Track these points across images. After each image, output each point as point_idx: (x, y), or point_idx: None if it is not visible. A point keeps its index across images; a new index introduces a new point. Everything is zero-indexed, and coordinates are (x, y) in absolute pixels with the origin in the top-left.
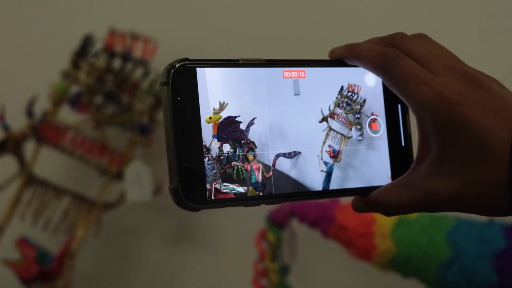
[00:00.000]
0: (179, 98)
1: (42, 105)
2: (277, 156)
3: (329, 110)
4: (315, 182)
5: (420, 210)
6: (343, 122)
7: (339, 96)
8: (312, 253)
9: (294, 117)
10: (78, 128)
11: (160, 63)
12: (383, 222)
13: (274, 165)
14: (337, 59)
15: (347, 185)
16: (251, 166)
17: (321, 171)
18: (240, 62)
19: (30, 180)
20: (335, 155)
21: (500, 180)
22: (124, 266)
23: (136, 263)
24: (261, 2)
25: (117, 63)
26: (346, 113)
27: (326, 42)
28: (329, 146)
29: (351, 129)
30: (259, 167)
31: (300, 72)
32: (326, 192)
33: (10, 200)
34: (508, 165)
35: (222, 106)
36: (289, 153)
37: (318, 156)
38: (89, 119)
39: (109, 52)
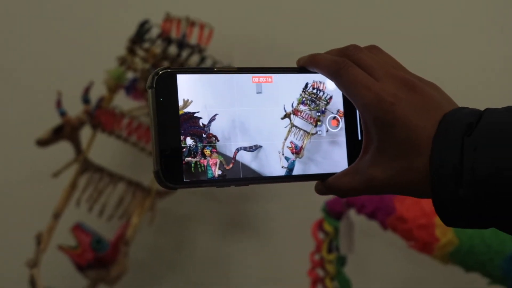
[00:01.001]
0: (161, 99)
1: (98, 92)
2: (238, 149)
3: (292, 107)
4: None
5: (365, 193)
6: (306, 119)
7: (303, 93)
8: (370, 244)
9: (257, 114)
10: (133, 115)
11: (215, 49)
12: None
13: (234, 157)
14: (302, 67)
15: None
16: (208, 161)
17: (282, 167)
18: (215, 69)
19: (85, 166)
20: (297, 151)
21: (424, 168)
22: (178, 254)
23: (190, 251)
24: None
25: (173, 50)
26: (311, 110)
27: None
28: (291, 142)
29: (315, 126)
30: (216, 162)
31: (267, 78)
32: (290, 177)
33: (66, 187)
34: (430, 154)
35: (186, 104)
36: (250, 147)
37: (279, 152)
38: (144, 106)
39: (165, 38)
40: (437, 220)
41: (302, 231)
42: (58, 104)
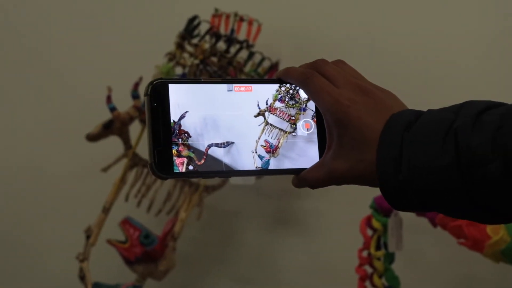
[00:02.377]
0: (155, 104)
1: None
2: (209, 146)
3: (267, 104)
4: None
5: (330, 184)
6: (283, 117)
7: (280, 88)
8: (418, 242)
9: (229, 111)
10: None
11: (263, 45)
12: None
13: (206, 153)
14: (279, 78)
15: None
16: (174, 160)
17: (256, 167)
18: (202, 80)
19: (134, 161)
20: (271, 150)
21: (373, 160)
22: (225, 249)
23: (237, 246)
24: None
25: (221, 45)
26: (288, 107)
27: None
28: (265, 141)
29: (293, 124)
30: (183, 162)
31: (248, 87)
32: (268, 171)
33: (115, 181)
34: (376, 148)
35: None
36: (222, 143)
37: (252, 152)
38: None
39: (214, 34)
40: None
41: (351, 227)
42: (108, 99)
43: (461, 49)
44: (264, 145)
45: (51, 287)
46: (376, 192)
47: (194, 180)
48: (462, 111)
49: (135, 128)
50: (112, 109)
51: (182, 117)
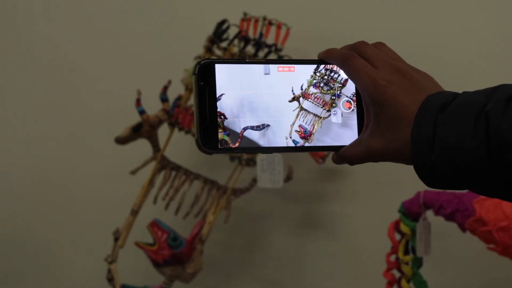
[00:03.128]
0: (201, 83)
1: (176, 90)
2: (244, 128)
3: (302, 89)
4: None
5: (367, 161)
6: (317, 103)
7: (315, 74)
8: (447, 246)
9: (266, 94)
10: None
11: (292, 49)
12: None
13: (240, 136)
14: (321, 59)
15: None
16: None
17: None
18: (247, 60)
19: (163, 164)
20: (306, 136)
21: (408, 138)
22: (252, 252)
23: (265, 250)
24: None
25: (250, 49)
26: (324, 93)
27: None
28: (300, 126)
29: (328, 110)
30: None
31: (290, 68)
32: (309, 147)
33: (144, 184)
34: (411, 128)
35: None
36: (257, 126)
37: (286, 138)
38: None
39: (243, 37)
40: None
41: (379, 231)
42: (138, 102)
43: (470, 50)
44: (299, 130)
45: None
46: (404, 196)
47: (222, 183)
48: (494, 95)
49: (163, 131)
50: (141, 112)
51: (218, 99)
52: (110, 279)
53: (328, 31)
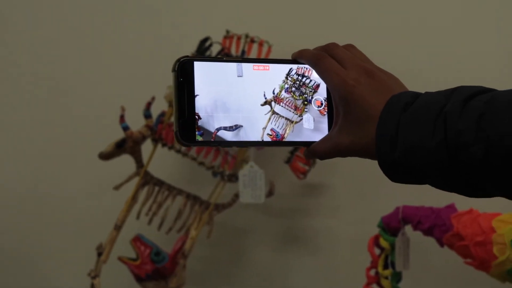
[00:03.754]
0: (181, 79)
1: (159, 107)
2: (217, 129)
3: (273, 94)
4: None
5: (335, 156)
6: (289, 107)
7: (286, 79)
8: (425, 261)
9: (238, 96)
10: None
11: None
12: (503, 231)
13: (214, 137)
14: (294, 59)
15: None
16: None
17: None
18: (224, 58)
19: (146, 179)
20: (278, 139)
21: (374, 135)
22: (235, 267)
23: (247, 264)
24: (370, 8)
25: None
26: (295, 99)
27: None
28: (272, 129)
29: (299, 115)
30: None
31: (266, 67)
32: (283, 142)
33: (127, 199)
34: (376, 125)
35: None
36: (230, 127)
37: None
38: None
39: (225, 54)
40: (494, 237)
41: (359, 246)
42: (121, 119)
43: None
44: (271, 134)
45: None
46: (384, 211)
47: (204, 198)
48: (452, 96)
49: (147, 147)
50: (125, 128)
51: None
52: None
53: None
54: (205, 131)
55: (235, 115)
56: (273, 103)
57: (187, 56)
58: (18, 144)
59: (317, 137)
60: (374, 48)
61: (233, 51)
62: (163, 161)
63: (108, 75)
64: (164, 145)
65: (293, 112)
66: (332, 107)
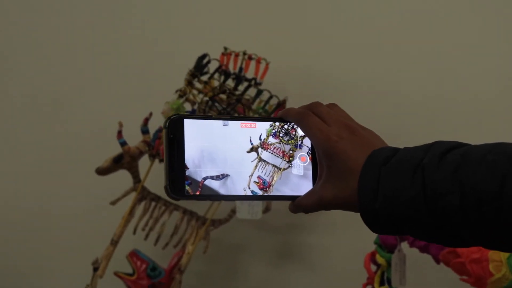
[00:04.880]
0: (171, 136)
1: (157, 122)
2: (204, 178)
3: (260, 139)
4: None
5: (320, 209)
6: (277, 153)
7: (274, 123)
8: (421, 278)
9: (224, 145)
10: None
11: (271, 83)
12: None
13: (201, 186)
14: (280, 117)
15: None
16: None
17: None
18: (213, 116)
19: (143, 195)
20: (264, 187)
21: (356, 188)
22: (231, 282)
23: (243, 280)
24: (365, 25)
25: (230, 83)
26: (284, 143)
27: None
28: (258, 177)
29: (288, 161)
30: None
31: (252, 124)
32: (266, 197)
33: (124, 214)
34: (358, 179)
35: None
36: (217, 176)
37: (245, 189)
38: None
39: (223, 71)
40: (491, 254)
41: (356, 262)
42: (119, 134)
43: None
44: (257, 181)
45: None
46: None
47: (201, 213)
48: (431, 150)
49: (144, 163)
50: (123, 143)
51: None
52: None
53: (306, 66)
54: (192, 181)
55: (221, 164)
56: (260, 149)
57: (178, 114)
58: (14, 159)
59: (304, 184)
60: (368, 65)
61: (231, 68)
62: (160, 177)
63: (105, 90)
64: (161, 160)
65: (281, 158)
66: (316, 162)
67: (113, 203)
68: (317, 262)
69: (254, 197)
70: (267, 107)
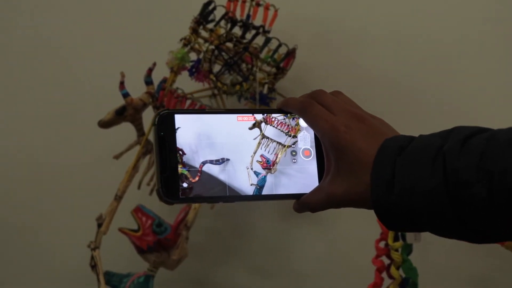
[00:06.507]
0: (162, 133)
1: (161, 73)
2: (203, 163)
3: (263, 114)
4: (246, 191)
5: (329, 207)
6: (281, 128)
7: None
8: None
9: (223, 125)
10: (195, 97)
11: (280, 31)
12: None
13: (200, 171)
14: (280, 108)
15: (279, 192)
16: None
17: (251, 184)
18: (207, 110)
19: (147, 148)
20: (268, 166)
21: (368, 182)
22: (238, 239)
23: (250, 236)
24: None
25: (237, 31)
26: (289, 118)
27: None
28: (261, 156)
29: (293, 136)
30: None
31: (250, 117)
32: (266, 196)
33: (128, 169)
34: (371, 171)
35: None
36: (216, 160)
37: (247, 168)
38: (207, 88)
39: (230, 19)
40: None
41: (368, 217)
42: (121, 85)
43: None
44: (260, 160)
45: (62, 276)
46: None
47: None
48: (451, 136)
49: (148, 115)
50: (125, 95)
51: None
52: (93, 266)
53: (316, 13)
54: (190, 167)
55: (220, 148)
56: (263, 124)
57: (167, 109)
58: (17, 114)
59: (310, 167)
60: (381, 13)
61: (238, 15)
62: None
63: (108, 40)
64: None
65: (286, 134)
66: (321, 156)
67: (117, 157)
68: (328, 217)
69: (253, 197)
70: (275, 56)
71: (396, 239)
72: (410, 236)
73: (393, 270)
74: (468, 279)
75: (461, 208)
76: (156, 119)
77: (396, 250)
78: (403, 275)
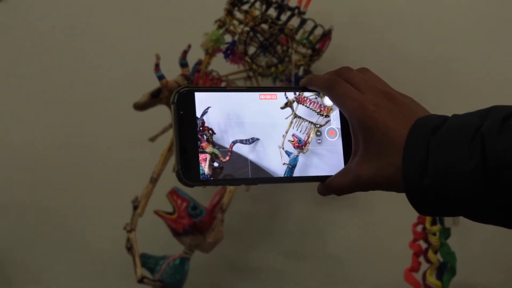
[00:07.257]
0: (181, 112)
1: (196, 55)
2: (234, 142)
3: (295, 93)
4: (278, 171)
5: (356, 190)
6: (314, 107)
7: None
8: None
9: (248, 103)
10: (230, 79)
11: (315, 12)
12: None
13: (230, 150)
14: (304, 86)
15: (309, 173)
16: (199, 158)
17: (284, 163)
18: (227, 88)
19: None
20: (300, 145)
21: (400, 164)
22: (273, 222)
23: (285, 220)
24: None
25: (272, 12)
26: (321, 97)
27: None
28: (293, 135)
29: (325, 115)
30: (205, 158)
31: (272, 95)
32: (294, 178)
33: (163, 151)
34: (402, 152)
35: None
36: (246, 140)
37: (279, 147)
38: (242, 70)
39: (265, 0)
40: None
41: (404, 200)
42: (156, 67)
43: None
44: (292, 140)
45: (98, 258)
46: None
47: None
48: (489, 116)
49: None
50: (160, 77)
51: (204, 112)
52: (129, 248)
53: None
54: (220, 147)
55: (250, 127)
56: (295, 104)
57: (187, 86)
58: (52, 95)
59: (335, 162)
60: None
61: None
62: None
63: (143, 22)
64: None
65: (318, 113)
66: (347, 138)
67: (152, 139)
68: (364, 201)
69: (276, 179)
70: (311, 37)
71: (434, 222)
72: (448, 220)
73: (430, 254)
74: (507, 266)
75: (500, 192)
76: (176, 97)
77: (434, 234)
78: (441, 260)
